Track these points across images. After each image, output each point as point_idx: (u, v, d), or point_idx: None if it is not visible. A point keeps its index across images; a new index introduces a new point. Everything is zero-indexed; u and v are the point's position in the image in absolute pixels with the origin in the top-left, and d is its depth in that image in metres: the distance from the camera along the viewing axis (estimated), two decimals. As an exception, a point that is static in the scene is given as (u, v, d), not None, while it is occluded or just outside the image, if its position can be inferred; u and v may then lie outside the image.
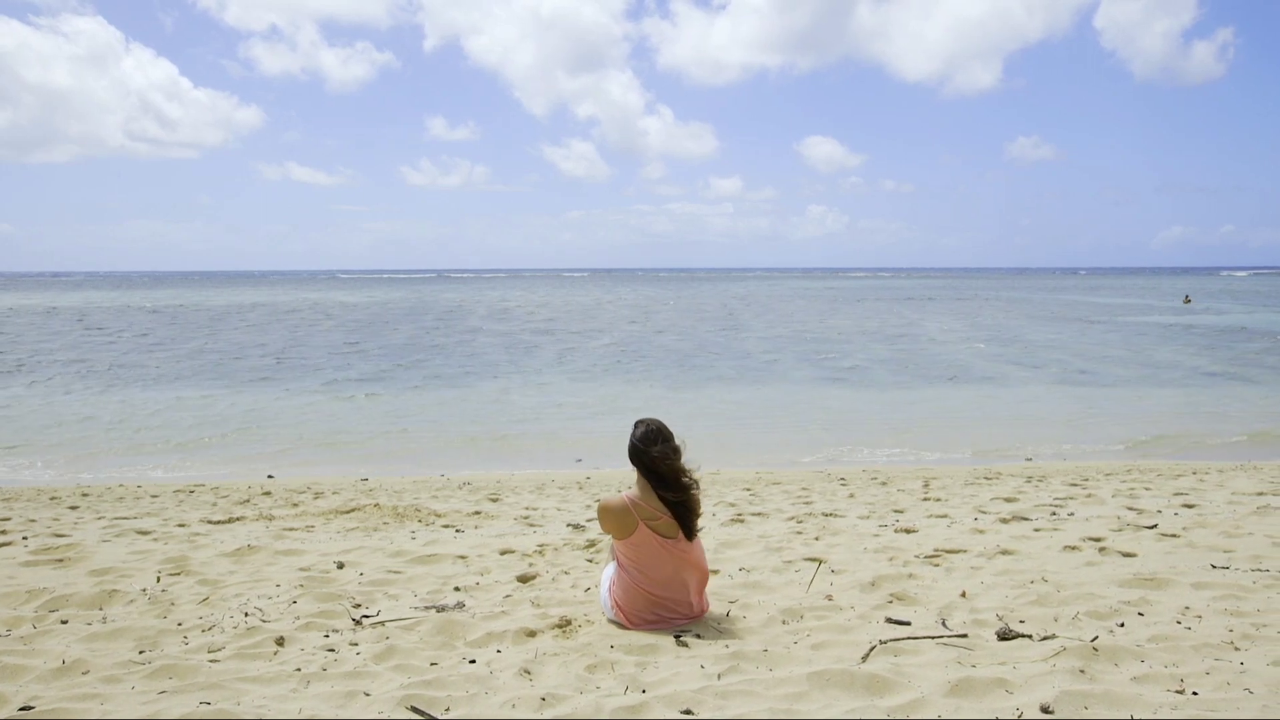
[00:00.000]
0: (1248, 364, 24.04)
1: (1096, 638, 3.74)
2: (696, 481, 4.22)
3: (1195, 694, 3.12)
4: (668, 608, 4.19)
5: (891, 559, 5.69)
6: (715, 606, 4.56)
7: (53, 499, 9.45)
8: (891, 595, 4.75)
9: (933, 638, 3.88)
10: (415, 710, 3.01)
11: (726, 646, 3.85)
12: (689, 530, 4.18)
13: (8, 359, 25.75)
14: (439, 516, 8.07)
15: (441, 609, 4.56)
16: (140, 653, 3.81)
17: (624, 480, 10.46)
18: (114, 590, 4.84)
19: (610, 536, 4.36)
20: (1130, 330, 36.44)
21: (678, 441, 4.26)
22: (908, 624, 4.17)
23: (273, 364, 24.99)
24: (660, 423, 4.30)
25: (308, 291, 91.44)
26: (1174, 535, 6.28)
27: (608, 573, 4.42)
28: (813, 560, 5.64)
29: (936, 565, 5.49)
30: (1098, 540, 6.15)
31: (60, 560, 5.69)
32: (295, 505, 8.95)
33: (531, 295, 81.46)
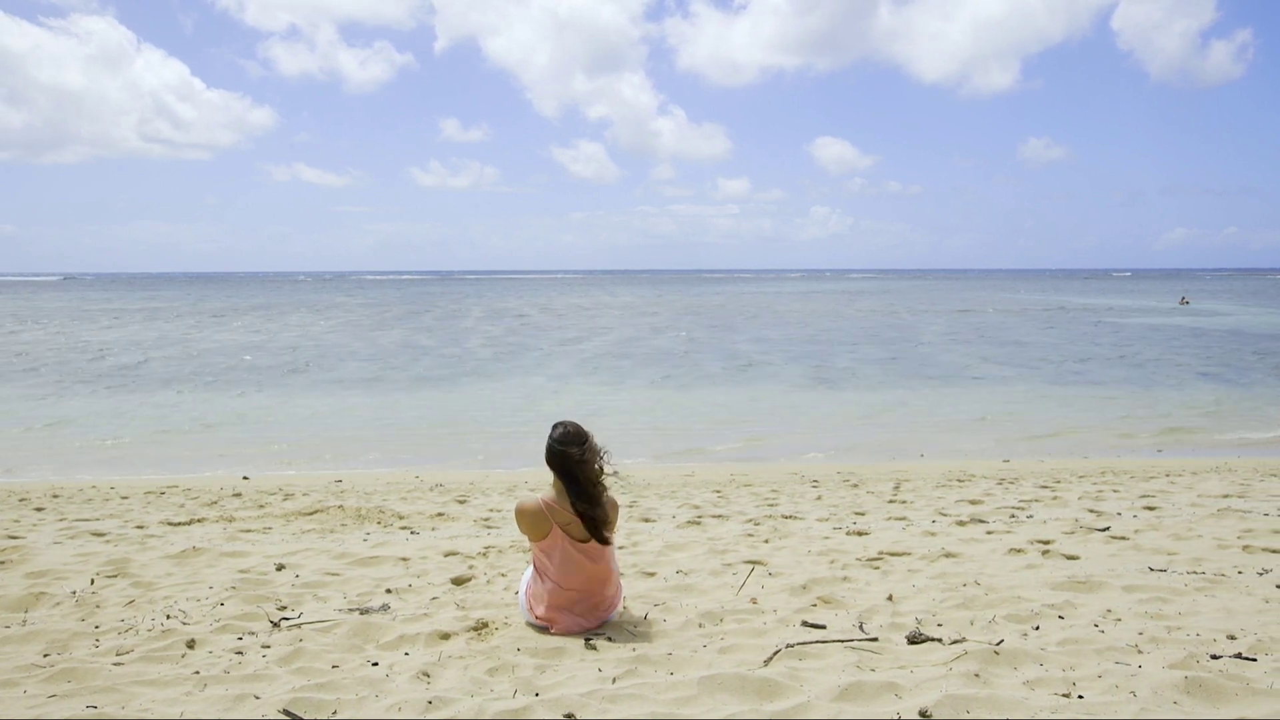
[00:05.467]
0: (1240, 365, 23.90)
1: (1002, 641, 3.71)
2: (606, 487, 4.20)
3: (1081, 697, 3.09)
4: (579, 611, 4.17)
5: (832, 562, 5.66)
6: (640, 609, 4.54)
7: (21, 500, 9.47)
8: (819, 599, 4.72)
9: (842, 641, 3.85)
10: (287, 714, 3.00)
11: (633, 650, 3.82)
12: (600, 536, 4.16)
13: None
14: (401, 518, 8.06)
15: (365, 611, 4.56)
16: (45, 655, 3.81)
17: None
18: (43, 593, 4.84)
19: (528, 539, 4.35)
20: (1129, 331, 36.27)
21: (596, 445, 4.26)
22: (823, 628, 4.14)
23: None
24: (578, 425, 4.29)
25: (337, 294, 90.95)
26: (1123, 538, 6.24)
27: (526, 575, 4.41)
28: (753, 563, 5.62)
29: (876, 568, 5.46)
30: (1046, 543, 6.11)
31: (1, 563, 5.70)
32: (262, 507, 8.96)
33: (535, 298, 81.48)
